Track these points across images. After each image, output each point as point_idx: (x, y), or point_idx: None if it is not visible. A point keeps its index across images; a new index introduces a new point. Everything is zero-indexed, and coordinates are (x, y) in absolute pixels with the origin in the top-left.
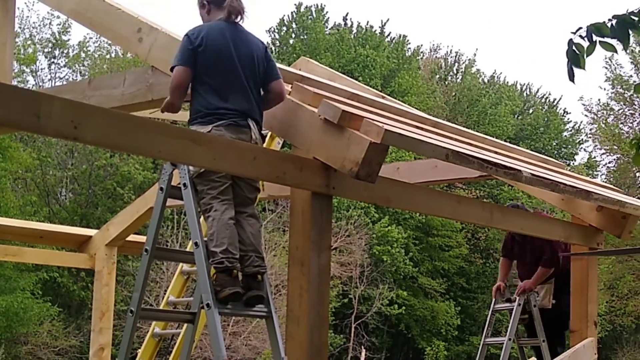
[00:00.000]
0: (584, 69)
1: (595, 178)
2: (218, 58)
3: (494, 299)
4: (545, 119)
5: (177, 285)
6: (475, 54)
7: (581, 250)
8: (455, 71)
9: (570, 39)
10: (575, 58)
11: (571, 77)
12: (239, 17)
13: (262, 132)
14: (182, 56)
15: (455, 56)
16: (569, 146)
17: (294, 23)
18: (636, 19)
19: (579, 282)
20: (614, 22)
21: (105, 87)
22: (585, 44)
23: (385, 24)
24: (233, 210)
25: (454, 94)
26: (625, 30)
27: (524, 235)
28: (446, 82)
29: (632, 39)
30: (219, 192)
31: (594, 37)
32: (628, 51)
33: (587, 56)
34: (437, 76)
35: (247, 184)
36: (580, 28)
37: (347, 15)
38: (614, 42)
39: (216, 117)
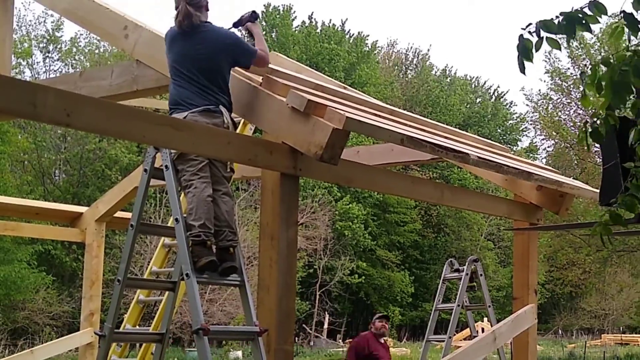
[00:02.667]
0: (532, 62)
1: (535, 161)
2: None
3: (444, 269)
4: (492, 108)
5: (160, 257)
6: (429, 49)
7: (523, 225)
8: (411, 65)
9: (521, 35)
10: (525, 52)
11: (522, 69)
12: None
13: (235, 119)
14: None
15: (411, 51)
16: (513, 133)
17: (264, 21)
18: (581, 15)
19: (520, 254)
20: (561, 18)
21: (95, 79)
22: (534, 39)
23: (345, 22)
24: (211, 188)
25: (410, 85)
26: (572, 26)
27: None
28: (403, 75)
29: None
30: (198, 169)
31: (542, 33)
32: (565, 46)
33: (535, 51)
34: (395, 69)
35: (222, 164)
36: (530, 24)
37: (312, 14)
38: (558, 38)
39: (191, 104)
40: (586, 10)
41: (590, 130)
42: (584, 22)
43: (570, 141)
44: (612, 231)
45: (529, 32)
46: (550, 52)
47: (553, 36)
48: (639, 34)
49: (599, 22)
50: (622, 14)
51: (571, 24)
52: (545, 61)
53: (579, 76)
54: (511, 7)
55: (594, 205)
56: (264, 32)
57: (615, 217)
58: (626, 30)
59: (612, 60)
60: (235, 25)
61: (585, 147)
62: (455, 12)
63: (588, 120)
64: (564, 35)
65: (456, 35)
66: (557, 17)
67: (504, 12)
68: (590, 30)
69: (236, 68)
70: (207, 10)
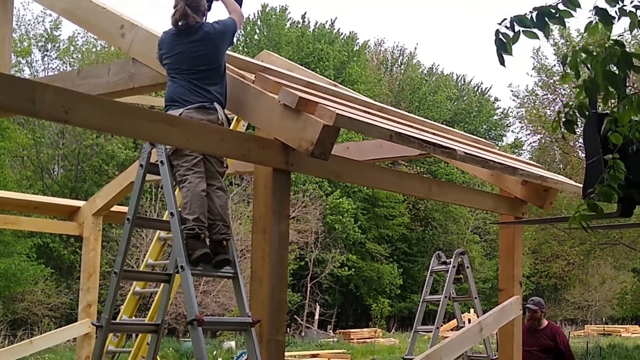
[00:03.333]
0: (511, 54)
1: (520, 156)
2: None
3: (432, 262)
4: (478, 105)
5: (155, 249)
6: (415, 48)
7: (508, 219)
8: (399, 63)
9: (497, 29)
10: (503, 45)
11: (501, 61)
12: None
13: (229, 115)
14: None
15: (399, 49)
16: (498, 128)
17: (259, 21)
18: (554, 10)
19: (506, 247)
20: (534, 14)
21: (92, 77)
22: (511, 33)
23: (334, 21)
24: (205, 182)
25: (398, 82)
26: (543, 21)
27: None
28: (391, 73)
29: (556, 31)
30: (193, 164)
31: (517, 27)
32: (552, 42)
33: (512, 44)
34: (382, 67)
35: (216, 159)
36: (505, 19)
37: (305, 14)
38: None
39: (186, 101)
40: (560, 5)
41: (564, 119)
42: (557, 15)
43: (555, 136)
44: (590, 220)
45: (505, 26)
46: (538, 49)
47: (530, 30)
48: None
49: (573, 16)
50: (595, 10)
51: (542, 18)
52: (533, 57)
53: (560, 60)
54: (494, 6)
55: (578, 199)
56: (259, 32)
57: (592, 207)
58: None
59: (593, 50)
60: None
61: (560, 136)
62: (440, 10)
63: (562, 110)
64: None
65: (441, 34)
66: (530, 12)
67: (487, 10)
68: (564, 24)
69: (227, 65)
70: (205, 17)
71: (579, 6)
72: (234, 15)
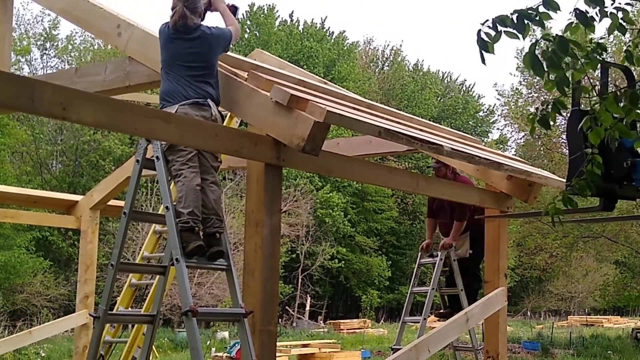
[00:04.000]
0: (493, 53)
1: (505, 152)
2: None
3: (419, 255)
4: (463, 102)
5: (151, 242)
6: (401, 45)
7: (494, 213)
8: (387, 60)
9: (479, 29)
10: (484, 45)
11: (482, 60)
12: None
13: (222, 112)
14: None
15: (387, 47)
16: (484, 125)
17: (248, 20)
18: (533, 13)
19: (491, 240)
20: (515, 16)
21: (90, 75)
22: (493, 33)
23: (325, 20)
24: (199, 177)
25: (387, 80)
26: (522, 23)
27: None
28: (379, 70)
29: (538, 31)
30: (187, 159)
31: (499, 28)
32: (522, 39)
33: (494, 43)
34: (373, 65)
35: (210, 155)
36: (487, 20)
37: (292, 13)
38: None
39: (181, 97)
40: (540, 7)
41: (539, 117)
42: (537, 18)
43: (539, 132)
44: (563, 214)
45: (488, 26)
46: (522, 49)
47: (511, 30)
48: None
49: (552, 18)
50: (575, 11)
51: (522, 20)
52: (517, 58)
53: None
54: (477, 5)
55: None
56: (249, 31)
57: (567, 201)
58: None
59: (550, 39)
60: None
61: (530, 129)
62: (424, 9)
63: (539, 107)
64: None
65: (427, 32)
66: (511, 13)
67: (468, 10)
68: (543, 26)
69: (220, 63)
70: (202, 18)
71: (559, 9)
72: (231, 28)
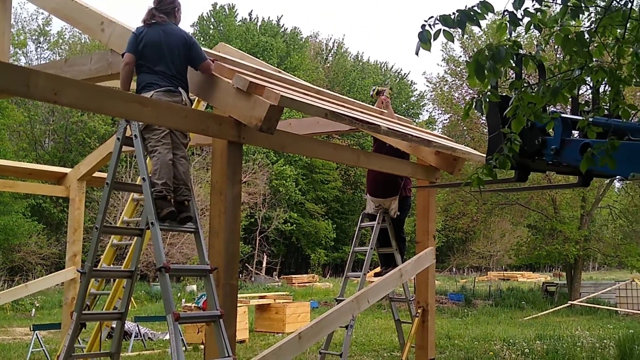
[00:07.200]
0: (429, 50)
1: (434, 131)
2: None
3: (360, 219)
4: (398, 88)
5: (130, 209)
6: (343, 39)
7: (424, 183)
8: (331, 52)
9: (423, 25)
10: (425, 40)
11: (417, 52)
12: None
13: (191, 96)
14: (129, 46)
15: (331, 40)
16: (415, 108)
17: (212, 18)
18: (472, 12)
19: (422, 206)
20: (457, 14)
21: (77, 65)
22: (433, 30)
23: (280, 18)
24: (171, 153)
25: (331, 69)
26: (464, 21)
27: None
28: (324, 61)
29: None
30: (161, 137)
31: (440, 26)
32: (458, 38)
33: (433, 40)
34: (320, 57)
35: (181, 133)
36: (431, 17)
37: (251, 11)
38: (452, 31)
39: (156, 85)
40: (476, 8)
41: (475, 104)
42: (474, 18)
43: (460, 115)
44: (484, 184)
45: (429, 25)
46: (446, 43)
47: (448, 29)
48: (517, 27)
49: (486, 19)
50: (505, 12)
51: (463, 19)
52: (442, 50)
53: (466, 62)
54: (410, 6)
55: (480, 166)
56: (212, 28)
57: (489, 172)
58: (509, 25)
59: (494, 47)
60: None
61: (463, 115)
62: (363, 5)
63: (475, 96)
64: (459, 29)
65: (366, 26)
66: (453, 13)
67: (404, 9)
68: (479, 25)
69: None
70: (175, 18)
71: (492, 10)
72: (207, 62)
